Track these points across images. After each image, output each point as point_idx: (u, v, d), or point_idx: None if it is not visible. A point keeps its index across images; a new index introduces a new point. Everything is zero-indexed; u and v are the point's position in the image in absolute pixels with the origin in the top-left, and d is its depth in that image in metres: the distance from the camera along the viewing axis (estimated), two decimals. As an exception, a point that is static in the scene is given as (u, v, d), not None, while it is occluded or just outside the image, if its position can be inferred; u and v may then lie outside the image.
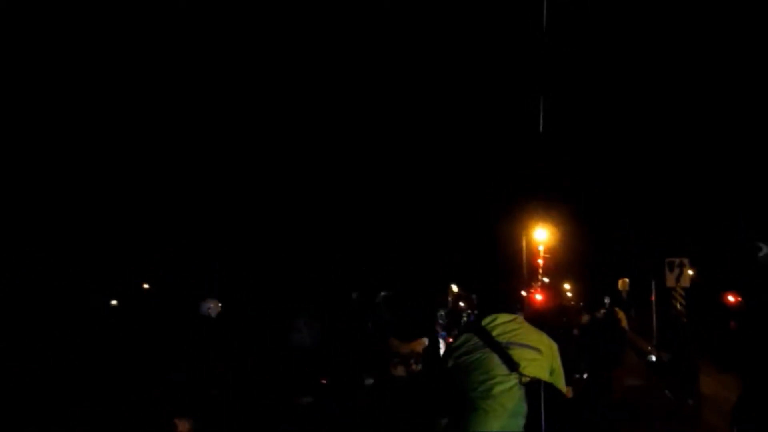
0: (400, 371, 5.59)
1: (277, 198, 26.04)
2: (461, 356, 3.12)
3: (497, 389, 2.93)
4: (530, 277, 30.09)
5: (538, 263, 30.17)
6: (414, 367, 5.67)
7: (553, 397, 2.95)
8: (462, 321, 20.05)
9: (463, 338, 3.21)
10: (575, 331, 15.01)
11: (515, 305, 3.34)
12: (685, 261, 11.03)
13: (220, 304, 6.42)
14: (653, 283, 12.09)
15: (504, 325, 3.14)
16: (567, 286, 38.53)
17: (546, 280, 33.06)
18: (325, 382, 8.05)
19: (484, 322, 3.18)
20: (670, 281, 11.02)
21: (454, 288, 28.46)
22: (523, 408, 2.92)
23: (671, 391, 9.46)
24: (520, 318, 3.25)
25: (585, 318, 13.77)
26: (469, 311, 23.90)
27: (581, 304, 19.30)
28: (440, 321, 17.98)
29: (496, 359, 3.00)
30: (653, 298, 12.73)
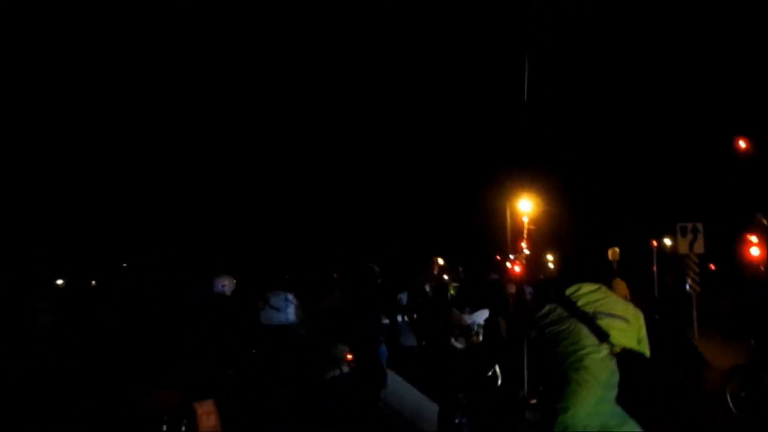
0: (460, 342, 5.99)
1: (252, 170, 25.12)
2: (547, 327, 3.03)
3: (589, 360, 2.87)
4: (514, 249, 29.65)
5: (522, 235, 29.66)
6: (475, 338, 6.09)
7: (643, 366, 3.05)
8: (448, 294, 19.70)
9: (546, 309, 3.09)
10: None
11: (599, 274, 3.31)
12: (699, 226, 10.38)
13: (234, 281, 6.27)
14: (654, 251, 11.55)
15: (589, 294, 3.07)
16: (549, 257, 38.37)
17: (527, 252, 32.70)
18: (350, 357, 7.85)
19: (567, 292, 3.09)
20: (683, 247, 10.49)
21: (440, 261, 27.98)
22: (616, 378, 2.88)
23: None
24: (605, 288, 3.14)
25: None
26: (455, 284, 23.46)
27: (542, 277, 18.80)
28: (402, 304, 17.04)
29: (584, 330, 2.94)
30: (655, 268, 12.13)
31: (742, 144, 14.57)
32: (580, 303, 3.06)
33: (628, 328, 3.03)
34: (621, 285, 14.66)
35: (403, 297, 18.80)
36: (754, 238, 11.42)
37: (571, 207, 27.25)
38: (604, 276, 3.54)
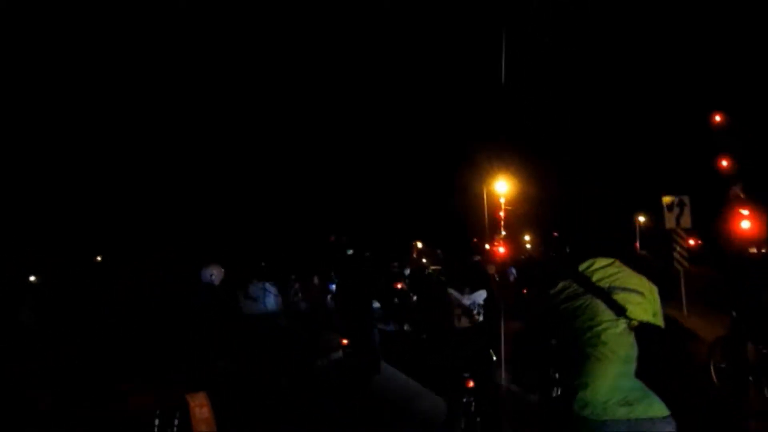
0: (464, 322, 6.15)
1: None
2: (562, 304, 3.00)
3: (606, 335, 2.85)
4: (491, 230, 29.74)
5: (499, 215, 29.74)
6: (476, 317, 6.21)
7: (658, 339, 2.97)
8: (432, 276, 19.66)
9: (560, 285, 3.04)
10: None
11: (611, 248, 3.16)
12: (686, 199, 10.18)
13: (222, 270, 6.24)
14: (637, 228, 11.54)
15: (603, 269, 3.02)
16: (527, 237, 38.59)
17: (503, 233, 32.85)
18: (346, 342, 8.25)
19: (581, 268, 3.03)
20: (670, 222, 10.23)
21: (419, 244, 27.94)
22: (635, 352, 2.87)
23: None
24: (618, 262, 3.06)
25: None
26: (435, 267, 23.45)
27: (552, 254, 18.76)
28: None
29: (601, 305, 2.91)
30: (638, 244, 12.09)
31: (717, 118, 14.68)
32: (594, 278, 2.98)
33: (644, 301, 2.99)
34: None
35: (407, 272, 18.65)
36: (745, 211, 11.53)
37: (546, 182, 27.30)
38: (616, 249, 3.22)
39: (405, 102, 28.44)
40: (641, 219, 40.26)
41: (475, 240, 35.98)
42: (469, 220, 29.40)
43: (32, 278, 19.42)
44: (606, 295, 2.92)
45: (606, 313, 2.89)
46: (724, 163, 14.77)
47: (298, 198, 25.80)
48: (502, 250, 26.28)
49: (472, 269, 7.11)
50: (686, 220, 10.33)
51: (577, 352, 2.90)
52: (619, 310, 2.88)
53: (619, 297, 2.92)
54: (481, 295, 6.53)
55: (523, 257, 31.23)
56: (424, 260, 29.12)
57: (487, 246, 28.80)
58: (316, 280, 14.74)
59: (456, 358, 5.77)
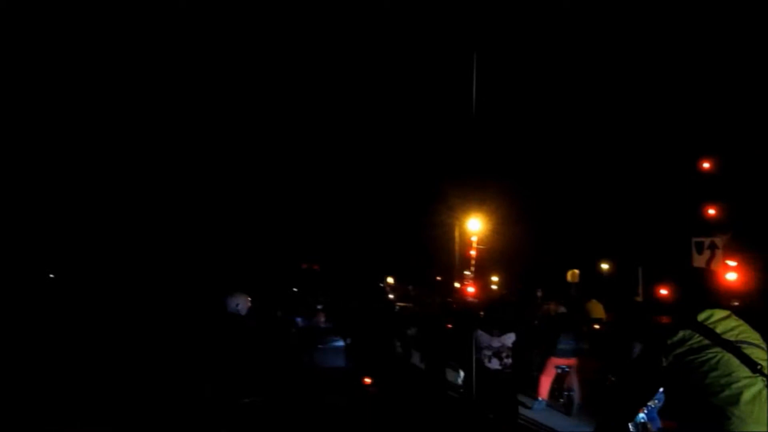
0: (494, 364, 6.26)
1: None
2: (685, 356, 2.81)
3: (747, 394, 2.65)
4: (462, 269, 29.24)
5: (470, 254, 29.27)
6: (505, 359, 6.31)
7: None
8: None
9: (681, 335, 2.85)
10: (535, 322, 14.07)
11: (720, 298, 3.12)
12: (717, 241, 9.48)
13: (249, 299, 5.97)
14: (639, 271, 10.97)
15: (724, 322, 2.84)
16: (494, 278, 38.25)
17: (467, 273, 32.39)
18: (369, 381, 8.29)
19: (701, 318, 2.86)
20: (698, 265, 9.37)
21: (390, 280, 27.25)
22: None
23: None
24: (734, 314, 2.90)
25: (553, 308, 12.69)
26: (402, 304, 22.77)
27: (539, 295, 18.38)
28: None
29: (734, 360, 2.71)
30: (640, 291, 11.36)
31: (706, 165, 14.50)
32: (718, 330, 2.78)
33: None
34: (597, 307, 14.39)
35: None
36: (731, 263, 11.28)
37: (527, 226, 27.02)
38: (724, 301, 3.14)
39: (377, 135, 27.95)
40: (604, 266, 40.53)
41: (438, 278, 35.50)
42: (439, 258, 28.86)
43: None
44: (737, 349, 2.72)
45: (742, 370, 2.69)
46: (711, 211, 14.42)
47: (262, 229, 24.88)
48: (471, 289, 25.76)
49: (508, 310, 7.44)
50: (718, 264, 9.50)
51: (711, 408, 2.68)
52: (755, 367, 2.67)
53: (750, 352, 2.72)
54: (510, 338, 6.55)
55: (492, 297, 30.77)
56: (391, 296, 28.37)
57: (456, 285, 28.25)
58: (279, 314, 13.94)
59: (490, 398, 5.94)
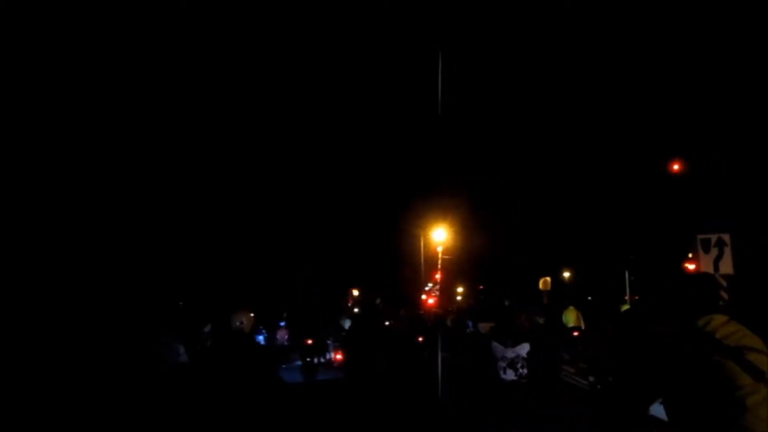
0: (510, 375, 6.26)
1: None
2: (683, 361, 2.71)
3: (750, 401, 2.56)
4: (427, 280, 28.66)
5: (436, 265, 28.77)
6: (521, 370, 6.32)
7: None
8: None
9: (675, 342, 2.81)
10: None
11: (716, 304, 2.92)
12: (726, 238, 8.37)
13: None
14: (626, 274, 10.35)
15: (723, 327, 2.76)
16: (460, 289, 37.79)
17: (429, 285, 31.89)
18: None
19: (700, 323, 2.79)
20: (706, 265, 8.40)
21: (354, 292, 26.39)
22: None
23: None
24: (733, 320, 2.82)
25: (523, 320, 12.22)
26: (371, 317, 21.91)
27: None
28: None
29: (735, 367, 2.62)
30: (627, 296, 10.59)
31: (675, 167, 14.44)
32: (717, 336, 2.73)
33: None
34: (576, 314, 13.90)
35: (346, 322, 17.21)
36: (691, 266, 10.89)
37: (493, 235, 26.57)
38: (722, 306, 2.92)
39: (343, 140, 27.19)
40: (566, 275, 40.59)
41: (403, 290, 34.82)
42: (404, 269, 28.16)
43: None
44: (738, 356, 2.64)
45: (743, 377, 2.62)
46: (684, 213, 14.05)
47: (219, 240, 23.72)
48: (431, 301, 25.24)
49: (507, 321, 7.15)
50: (727, 265, 8.43)
51: (713, 416, 2.63)
52: (758, 374, 2.60)
53: (752, 358, 2.64)
54: (524, 348, 6.55)
55: (451, 309, 30.27)
56: (356, 310, 27.51)
57: (423, 297, 27.69)
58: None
59: (507, 410, 5.90)
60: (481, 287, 38.67)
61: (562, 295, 23.29)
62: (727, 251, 8.02)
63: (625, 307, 10.75)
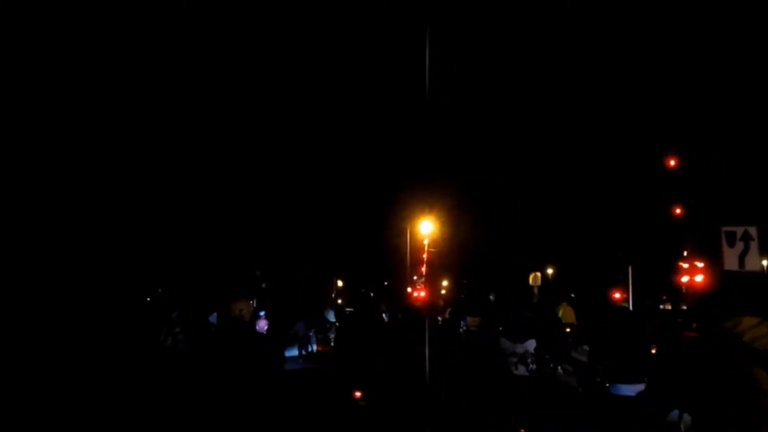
0: (522, 371, 6.28)
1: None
2: (707, 364, 2.63)
3: None
4: (413, 272, 28.25)
5: (423, 258, 28.33)
6: (531, 365, 6.36)
7: None
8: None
9: (700, 345, 2.80)
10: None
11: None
12: (752, 231, 7.62)
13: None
14: (629, 270, 9.93)
15: (752, 330, 2.59)
16: (444, 282, 37.45)
17: (416, 278, 31.51)
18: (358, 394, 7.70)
19: (727, 326, 2.64)
20: (730, 261, 7.67)
21: (339, 283, 25.96)
22: None
23: None
24: (765, 321, 2.64)
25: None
26: (348, 309, 21.61)
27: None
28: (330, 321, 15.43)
29: (762, 372, 2.48)
30: (626, 294, 9.99)
31: (672, 162, 14.28)
32: (746, 339, 2.54)
33: None
34: (569, 310, 13.61)
35: (330, 314, 16.79)
36: (699, 264, 10.47)
37: (483, 229, 26.20)
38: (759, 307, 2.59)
39: (329, 131, 26.57)
40: (549, 271, 40.45)
41: (386, 283, 34.45)
42: (390, 261, 27.74)
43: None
44: (765, 360, 2.51)
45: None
46: (678, 210, 13.81)
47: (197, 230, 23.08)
48: (422, 294, 24.85)
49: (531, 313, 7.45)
50: (753, 261, 7.69)
51: (736, 423, 2.52)
52: None
53: None
54: (531, 344, 6.59)
55: (436, 303, 29.91)
56: (339, 301, 27.08)
57: (409, 289, 27.34)
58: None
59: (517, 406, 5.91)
60: (465, 281, 38.43)
61: (549, 290, 23.06)
62: (754, 246, 7.33)
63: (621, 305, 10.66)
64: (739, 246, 7.47)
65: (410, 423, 7.61)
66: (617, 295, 14.94)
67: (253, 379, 5.06)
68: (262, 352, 5.40)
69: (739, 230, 7.53)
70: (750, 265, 7.45)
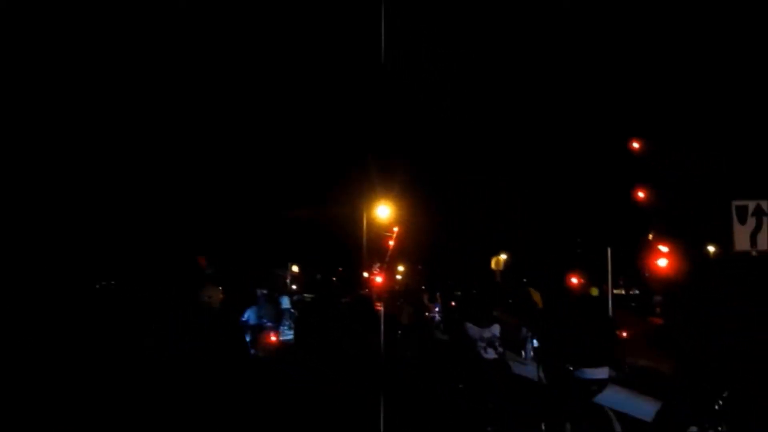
0: (491, 354, 6.78)
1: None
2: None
3: None
4: (371, 259, 27.65)
5: (388, 244, 27.82)
6: (499, 348, 6.83)
7: None
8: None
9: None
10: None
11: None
12: (765, 205, 6.90)
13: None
14: (608, 252, 9.45)
15: None
16: (400, 268, 36.99)
17: (377, 264, 30.94)
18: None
19: None
20: (741, 241, 6.97)
21: (294, 268, 25.05)
22: None
23: None
24: None
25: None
26: (307, 295, 20.82)
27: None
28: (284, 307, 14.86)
29: None
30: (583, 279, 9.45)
31: (635, 145, 14.12)
32: None
33: None
34: (537, 296, 13.20)
35: (284, 300, 16.01)
36: (663, 248, 10.28)
37: (441, 214, 25.65)
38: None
39: (276, 104, 25.38)
40: (502, 257, 40.54)
41: (340, 269, 33.72)
42: (346, 246, 26.99)
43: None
44: None
45: None
46: (641, 194, 13.67)
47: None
48: (379, 279, 24.26)
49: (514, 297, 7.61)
50: (765, 240, 7.04)
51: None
52: None
53: None
54: (496, 328, 6.87)
55: (397, 288, 29.46)
56: (294, 287, 26.20)
57: (365, 274, 26.74)
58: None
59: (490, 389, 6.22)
60: (420, 267, 38.09)
61: (507, 275, 22.79)
62: (766, 222, 6.69)
63: (595, 292, 10.13)
64: (751, 222, 6.78)
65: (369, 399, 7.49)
66: (574, 280, 14.56)
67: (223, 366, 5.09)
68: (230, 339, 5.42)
69: (752, 204, 6.80)
70: (762, 244, 6.76)
